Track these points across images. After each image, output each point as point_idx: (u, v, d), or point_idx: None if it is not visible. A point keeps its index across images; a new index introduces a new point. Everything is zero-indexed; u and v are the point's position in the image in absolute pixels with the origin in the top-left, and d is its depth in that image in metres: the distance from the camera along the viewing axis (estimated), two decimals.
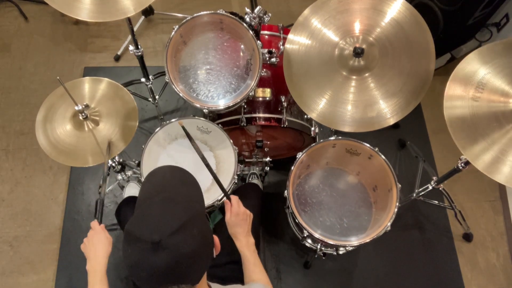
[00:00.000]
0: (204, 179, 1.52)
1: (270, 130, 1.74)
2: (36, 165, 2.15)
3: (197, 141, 1.59)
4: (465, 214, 2.09)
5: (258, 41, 1.41)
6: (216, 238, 0.91)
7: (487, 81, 1.24)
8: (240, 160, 1.86)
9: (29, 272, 1.93)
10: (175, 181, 0.92)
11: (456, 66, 1.26)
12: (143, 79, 1.87)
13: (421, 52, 1.35)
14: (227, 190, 1.49)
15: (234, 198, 1.25)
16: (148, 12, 2.46)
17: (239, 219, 1.21)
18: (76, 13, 1.27)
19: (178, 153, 1.56)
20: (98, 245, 1.16)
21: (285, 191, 1.49)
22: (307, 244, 1.62)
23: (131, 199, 1.61)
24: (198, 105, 1.46)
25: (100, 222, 1.24)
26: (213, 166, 1.55)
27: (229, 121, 1.64)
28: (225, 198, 1.27)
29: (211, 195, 1.48)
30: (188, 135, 1.30)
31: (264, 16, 1.47)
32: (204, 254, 0.84)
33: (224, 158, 1.55)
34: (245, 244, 1.20)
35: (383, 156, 1.48)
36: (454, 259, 2.07)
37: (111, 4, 1.29)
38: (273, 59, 1.63)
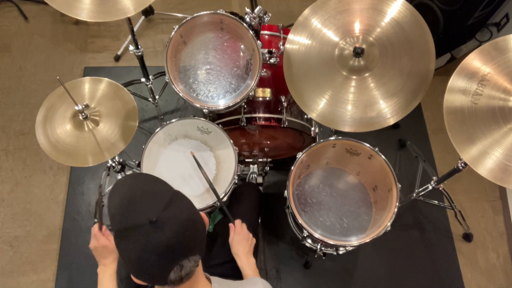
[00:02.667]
0: (204, 179, 1.51)
1: (270, 130, 1.74)
2: (36, 165, 2.15)
3: (197, 141, 1.59)
4: (465, 214, 2.09)
5: (258, 41, 1.41)
6: (204, 215, 0.93)
7: (491, 77, 1.24)
8: (240, 160, 1.86)
9: (29, 272, 1.93)
10: (141, 184, 0.90)
11: (461, 61, 1.25)
12: (143, 79, 1.87)
13: (421, 52, 1.35)
14: (227, 192, 1.49)
15: (238, 221, 1.37)
16: (148, 12, 2.46)
17: (241, 238, 1.31)
18: (76, 13, 1.27)
19: (178, 153, 1.56)
20: (104, 251, 1.17)
21: (285, 191, 1.49)
22: (307, 244, 1.62)
23: None
24: (198, 105, 1.46)
25: (101, 226, 1.22)
26: (213, 166, 1.55)
27: (229, 121, 1.64)
28: (230, 222, 1.38)
29: (211, 195, 1.48)
30: (198, 164, 1.45)
31: (264, 16, 1.47)
32: (199, 222, 0.87)
33: (224, 158, 1.55)
34: (246, 262, 1.27)
35: (383, 156, 1.48)
36: (454, 259, 2.07)
37: (111, 4, 1.29)
38: (273, 59, 1.63)
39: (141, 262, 0.79)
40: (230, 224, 1.36)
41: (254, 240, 1.36)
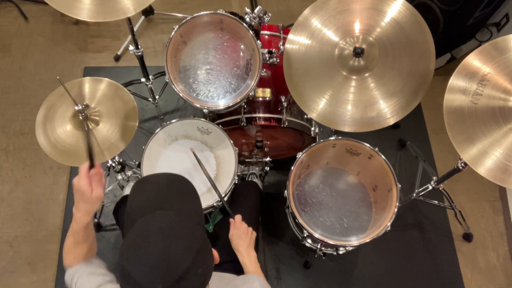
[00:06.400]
0: (204, 180, 1.51)
1: (270, 130, 1.74)
2: (36, 165, 2.15)
3: (197, 142, 1.59)
4: (465, 214, 2.09)
5: (258, 41, 1.41)
6: (215, 252, 0.85)
7: (491, 77, 1.23)
8: (240, 160, 1.86)
9: (29, 272, 1.93)
10: (172, 194, 0.84)
11: (461, 61, 1.25)
12: (143, 79, 1.87)
13: (421, 52, 1.35)
14: (227, 192, 1.49)
15: (238, 217, 1.35)
16: (148, 12, 2.46)
17: (241, 232, 1.30)
18: (76, 13, 1.27)
19: (178, 153, 1.56)
20: (79, 196, 0.99)
21: (285, 191, 1.49)
22: (307, 244, 1.62)
23: None
24: (198, 105, 1.46)
25: (92, 165, 1.02)
26: (214, 166, 1.55)
27: (229, 121, 1.64)
28: (230, 217, 1.36)
29: (211, 196, 1.48)
30: (198, 161, 1.44)
31: (264, 16, 1.47)
32: (206, 284, 0.79)
33: (225, 158, 1.55)
34: (246, 255, 1.25)
35: (383, 156, 1.48)
36: (454, 259, 2.07)
37: (111, 4, 1.29)
38: (273, 59, 1.63)
39: None
40: (231, 220, 1.35)
41: (254, 234, 1.35)
